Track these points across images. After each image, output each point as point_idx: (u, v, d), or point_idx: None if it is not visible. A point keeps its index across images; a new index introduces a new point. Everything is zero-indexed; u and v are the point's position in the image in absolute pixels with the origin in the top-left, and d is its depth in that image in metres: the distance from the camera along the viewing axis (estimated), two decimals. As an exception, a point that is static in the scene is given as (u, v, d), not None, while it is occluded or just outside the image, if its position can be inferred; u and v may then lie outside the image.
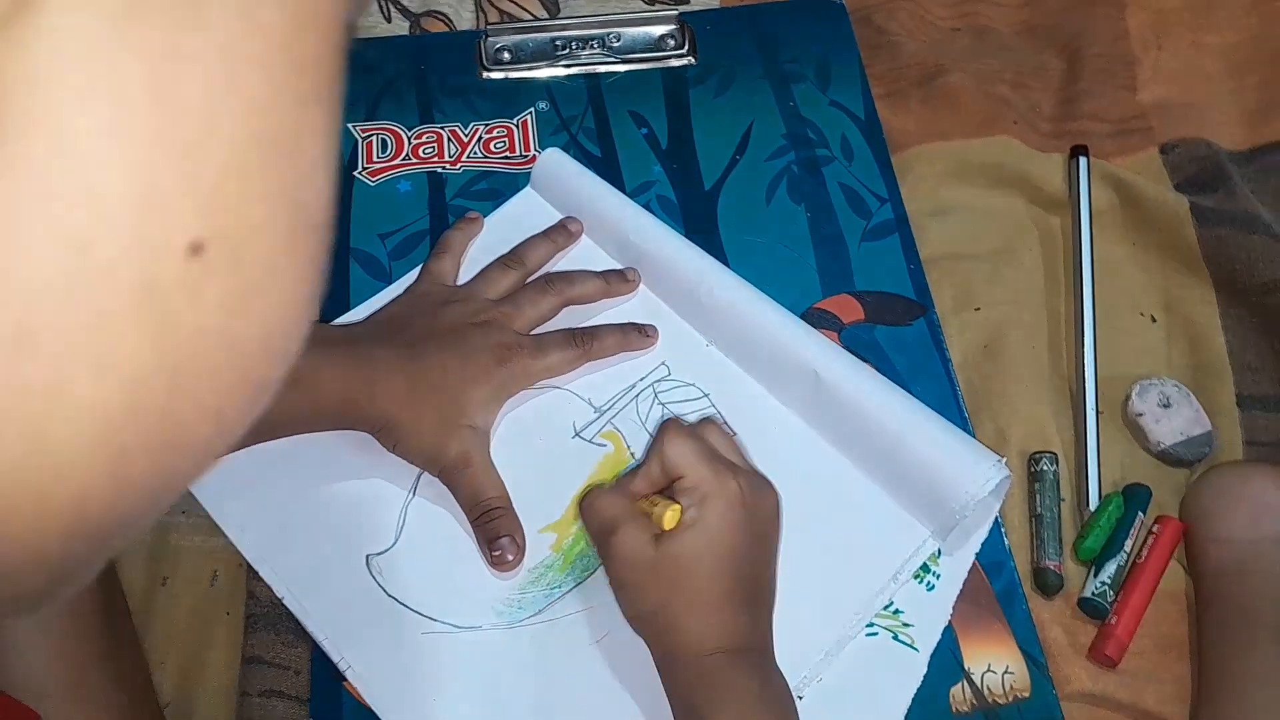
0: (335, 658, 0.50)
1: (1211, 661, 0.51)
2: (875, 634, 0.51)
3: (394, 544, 0.53)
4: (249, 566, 0.54)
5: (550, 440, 0.56)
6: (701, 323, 0.58)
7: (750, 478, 0.48)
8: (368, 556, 0.53)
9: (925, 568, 0.52)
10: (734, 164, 0.66)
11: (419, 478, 0.55)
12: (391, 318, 0.57)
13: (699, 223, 0.63)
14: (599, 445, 0.56)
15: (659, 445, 0.48)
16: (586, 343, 0.56)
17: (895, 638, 0.51)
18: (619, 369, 0.58)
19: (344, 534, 0.53)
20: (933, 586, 0.52)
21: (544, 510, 0.54)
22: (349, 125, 0.68)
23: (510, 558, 0.51)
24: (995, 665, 0.51)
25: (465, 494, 0.52)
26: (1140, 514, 0.55)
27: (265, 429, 0.51)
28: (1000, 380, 0.59)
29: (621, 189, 0.65)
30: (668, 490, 0.48)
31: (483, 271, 0.59)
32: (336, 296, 0.62)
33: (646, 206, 0.63)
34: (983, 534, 0.53)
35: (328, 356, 0.51)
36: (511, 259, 0.60)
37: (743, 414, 0.56)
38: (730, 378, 0.57)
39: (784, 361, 0.55)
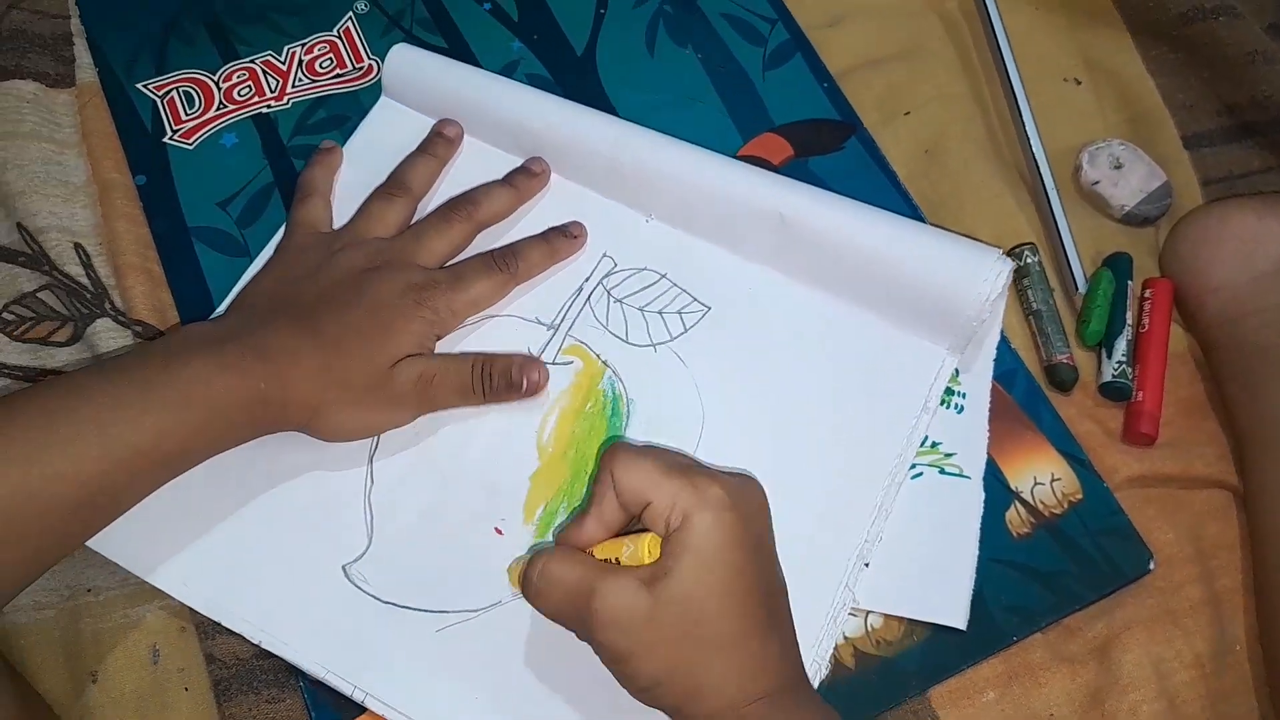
0: (348, 690, 0.43)
1: (1243, 410, 0.49)
2: (920, 474, 0.47)
3: (369, 545, 0.45)
4: (200, 625, 0.45)
5: None
6: (633, 197, 0.51)
7: (726, 477, 0.39)
8: (344, 568, 0.45)
9: (949, 390, 0.48)
10: (600, 20, 0.58)
11: (372, 458, 0.46)
12: (274, 290, 0.47)
13: (582, 94, 0.55)
14: (565, 364, 0.48)
15: (606, 475, 0.39)
16: (510, 263, 0.48)
17: (942, 472, 0.47)
18: (558, 276, 0.50)
19: (307, 551, 0.45)
20: (961, 409, 0.48)
21: (519, 461, 0.47)
22: (138, 86, 0.56)
23: (536, 375, 0.46)
24: (1040, 476, 0.48)
25: (452, 397, 0.46)
26: (1129, 282, 0.52)
27: (165, 470, 0.41)
28: (951, 181, 0.54)
29: (484, 77, 0.56)
30: (631, 529, 0.40)
31: (362, 208, 0.50)
32: (191, 290, 0.51)
33: (518, 90, 0.55)
34: (994, 340, 0.49)
35: (216, 359, 0.41)
36: (392, 187, 0.50)
37: (710, 284, 0.50)
38: (684, 250, 0.51)
39: (739, 212, 0.49)
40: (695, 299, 0.50)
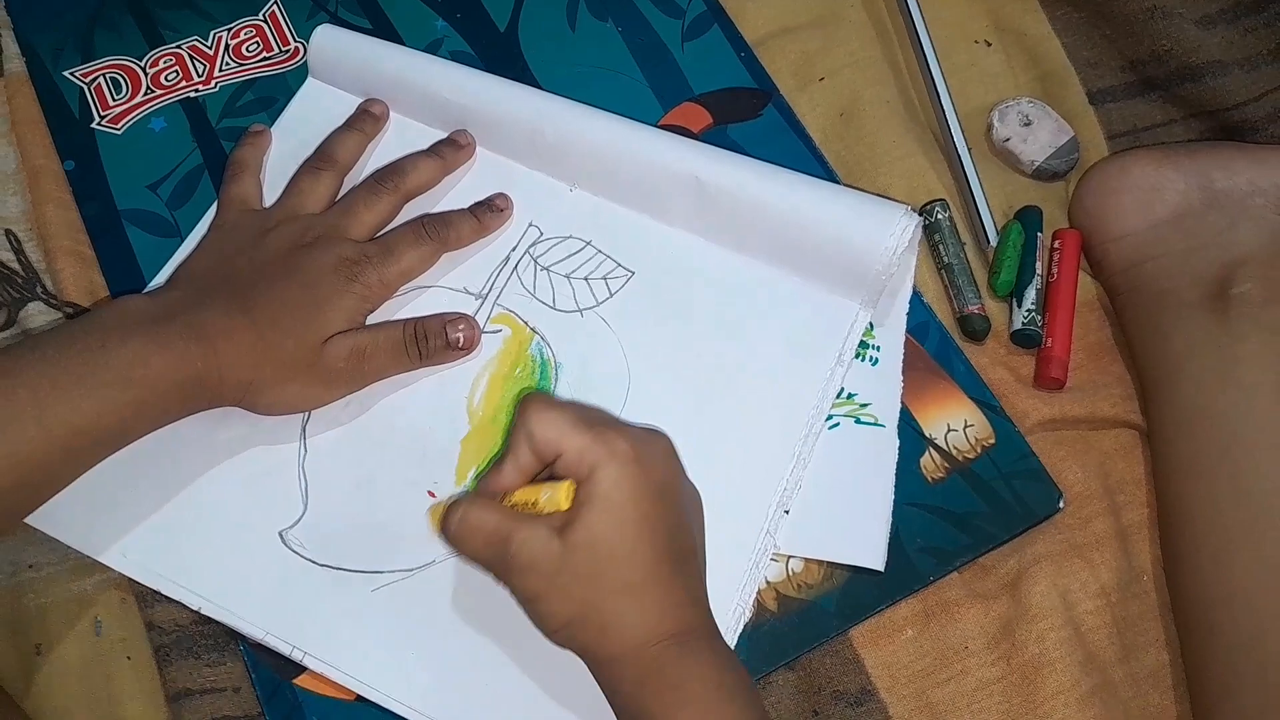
0: (286, 650, 0.44)
1: (1146, 351, 0.51)
2: (837, 425, 0.49)
3: (304, 510, 0.46)
4: (140, 595, 0.46)
5: None
6: (557, 167, 0.52)
7: (633, 430, 0.41)
8: (280, 534, 0.46)
9: (863, 344, 0.50)
10: (522, -3, 0.59)
11: (305, 429, 0.47)
12: (209, 268, 0.48)
13: (505, 69, 0.56)
14: (494, 332, 0.50)
15: (521, 425, 0.41)
16: (439, 231, 0.50)
17: (858, 421, 0.49)
18: (483, 245, 0.51)
19: (243, 519, 0.46)
20: (876, 360, 0.50)
21: (450, 426, 0.48)
22: (65, 73, 0.57)
23: (469, 331, 0.48)
24: (954, 423, 0.50)
25: (388, 366, 0.47)
26: (1039, 234, 0.54)
27: (102, 447, 0.42)
28: (866, 143, 0.56)
29: (409, 56, 0.57)
30: (543, 476, 0.42)
31: (291, 183, 0.51)
32: (123, 271, 0.52)
33: (442, 68, 0.56)
34: (907, 294, 0.51)
35: (154, 339, 0.42)
36: (319, 161, 0.51)
37: (633, 250, 0.51)
38: (606, 216, 0.52)
39: (659, 179, 0.50)
40: (619, 264, 0.51)
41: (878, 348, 0.50)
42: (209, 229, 0.50)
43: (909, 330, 0.51)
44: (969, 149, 0.56)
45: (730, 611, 0.45)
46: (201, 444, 0.47)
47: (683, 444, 0.43)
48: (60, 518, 0.45)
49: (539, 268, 0.51)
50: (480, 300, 0.50)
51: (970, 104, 0.57)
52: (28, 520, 0.44)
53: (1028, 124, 0.57)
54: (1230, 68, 0.56)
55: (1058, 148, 0.56)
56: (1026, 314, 0.52)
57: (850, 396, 0.49)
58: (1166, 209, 0.52)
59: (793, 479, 0.47)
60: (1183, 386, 0.49)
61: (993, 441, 0.49)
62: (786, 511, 0.47)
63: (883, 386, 0.49)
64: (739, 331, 0.50)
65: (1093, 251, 0.54)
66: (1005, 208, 0.56)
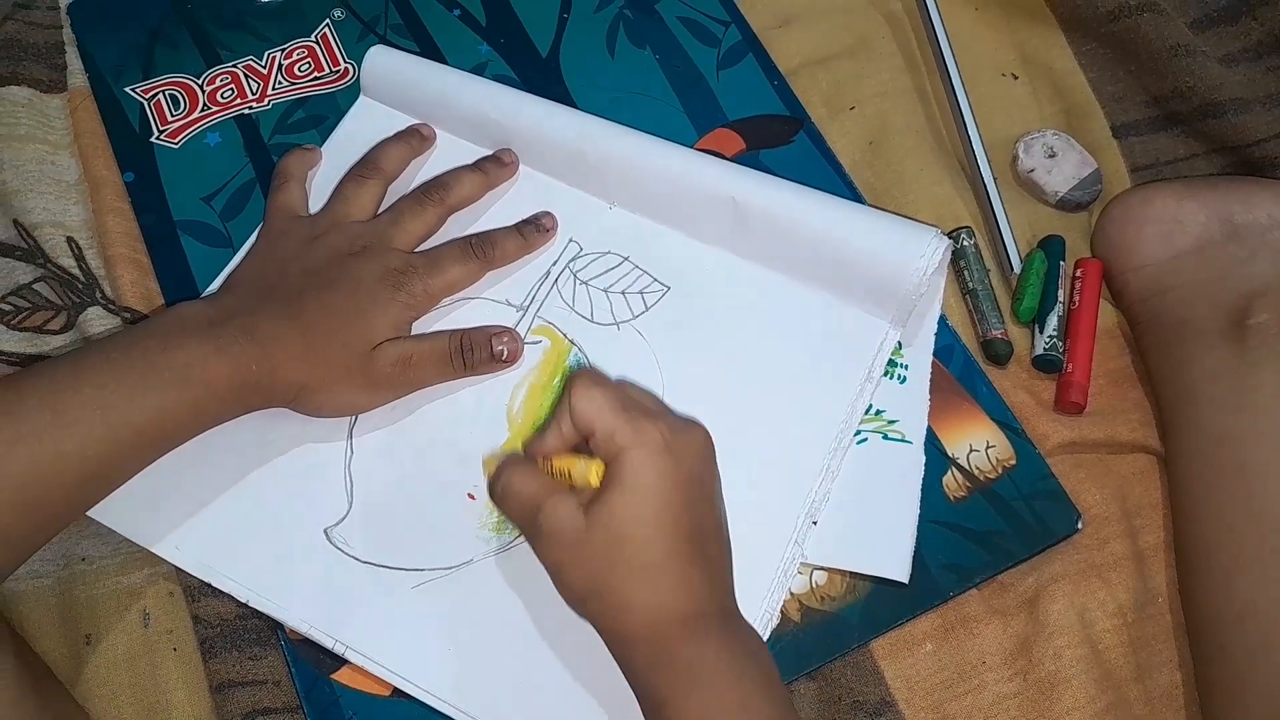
0: (329, 643, 0.46)
1: (1164, 378, 0.52)
2: (865, 440, 0.50)
3: (349, 509, 0.48)
4: (187, 588, 0.48)
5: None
6: (597, 186, 0.54)
7: (669, 420, 0.42)
8: (326, 531, 0.48)
9: (892, 362, 0.52)
10: (563, 24, 0.61)
11: (351, 431, 0.49)
12: (259, 275, 0.50)
13: (547, 93, 0.58)
14: (534, 343, 0.52)
15: (566, 398, 0.43)
16: (486, 251, 0.52)
17: (885, 437, 0.50)
18: (525, 259, 0.54)
19: (291, 516, 0.48)
20: (904, 379, 0.51)
21: (491, 433, 0.50)
22: (126, 89, 0.59)
23: (513, 345, 0.50)
24: (976, 444, 0.51)
25: (431, 374, 0.49)
26: (1061, 263, 0.55)
27: (162, 444, 0.44)
28: (895, 171, 0.58)
29: (454, 80, 0.59)
30: (583, 450, 0.43)
31: (336, 190, 0.53)
32: (178, 279, 0.55)
33: (488, 91, 0.58)
34: (935, 314, 0.53)
35: (211, 342, 0.44)
36: (365, 169, 0.53)
37: (669, 266, 0.53)
38: (645, 233, 0.54)
39: (695, 198, 0.52)
40: (655, 279, 0.53)
41: (906, 366, 0.52)
42: (258, 236, 0.53)
43: (935, 352, 0.52)
44: (994, 178, 0.57)
45: (758, 619, 0.46)
46: (253, 442, 0.49)
47: (718, 454, 0.45)
48: (117, 510, 0.47)
49: (578, 282, 0.53)
50: (521, 313, 0.52)
51: (995, 134, 0.59)
52: (89, 512, 0.46)
53: (1052, 155, 0.58)
54: (1252, 105, 0.58)
55: (1081, 179, 0.58)
56: (1048, 340, 0.53)
57: (879, 413, 0.51)
58: (1187, 240, 0.54)
59: (821, 491, 0.49)
60: (1200, 412, 0.50)
61: (1014, 463, 0.51)
62: (814, 522, 0.48)
63: (910, 404, 0.51)
64: (771, 346, 0.51)
65: (1114, 281, 0.56)
66: (1029, 236, 0.57)
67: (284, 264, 0.49)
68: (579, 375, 0.43)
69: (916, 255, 0.49)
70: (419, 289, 0.49)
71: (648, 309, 0.53)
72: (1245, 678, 0.44)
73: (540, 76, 0.60)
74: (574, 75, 0.60)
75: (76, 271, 0.54)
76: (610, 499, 0.40)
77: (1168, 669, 0.48)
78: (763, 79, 0.60)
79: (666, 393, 0.51)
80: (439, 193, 0.52)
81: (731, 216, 0.51)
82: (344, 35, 0.61)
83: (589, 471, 0.42)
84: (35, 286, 0.54)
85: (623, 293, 0.53)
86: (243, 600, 0.46)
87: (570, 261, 0.54)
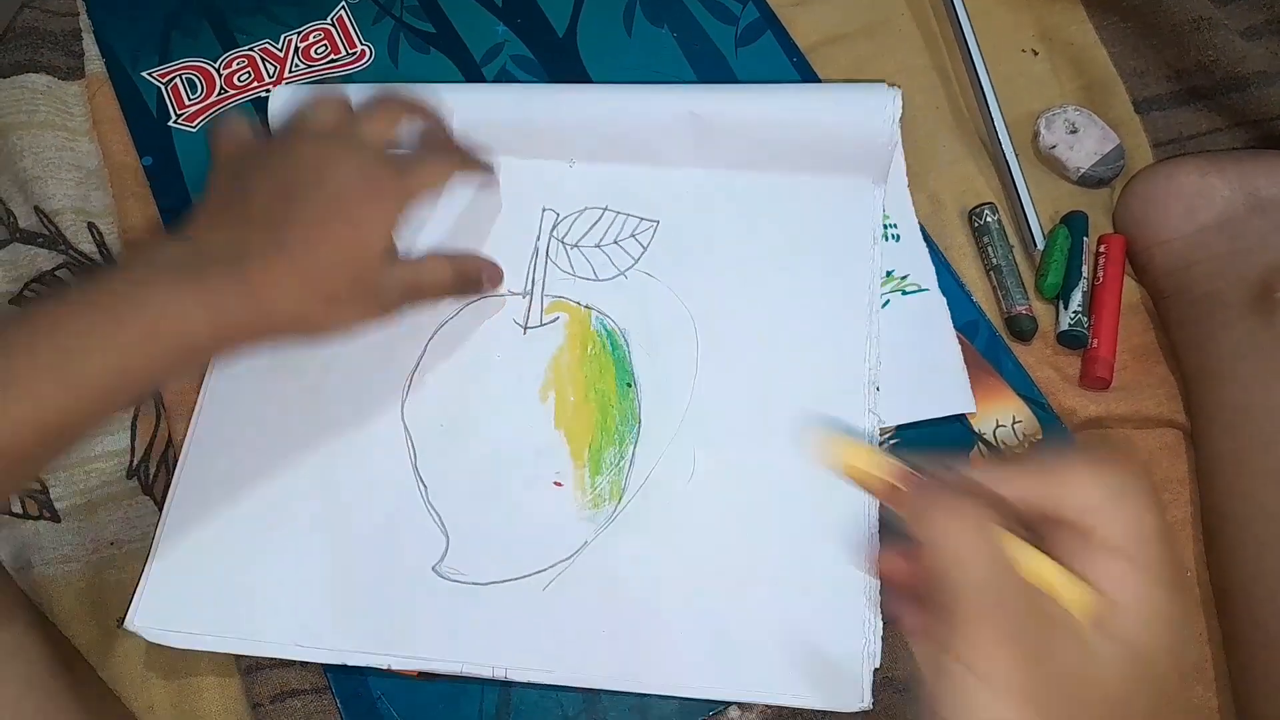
0: (487, 673, 0.45)
1: (1191, 353, 0.52)
2: (887, 302, 0.52)
3: (448, 541, 0.47)
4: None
5: (505, 352, 0.51)
6: (551, 149, 0.54)
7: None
8: (435, 569, 0.47)
9: (883, 224, 0.54)
10: (580, 3, 0.61)
11: (415, 467, 0.49)
12: (225, 203, 0.44)
13: (564, 72, 0.58)
14: (551, 321, 0.52)
15: (1054, 465, 0.29)
16: (453, 150, 0.51)
17: (904, 293, 0.52)
18: (509, 246, 0.53)
19: (395, 570, 0.47)
20: (898, 237, 0.54)
21: (545, 420, 0.50)
22: (144, 74, 0.59)
23: (493, 271, 0.51)
24: (1003, 419, 0.51)
25: (431, 301, 0.49)
26: (1085, 239, 0.55)
27: (125, 402, 0.42)
28: (916, 148, 0.57)
29: (469, 60, 0.59)
30: (1033, 533, 0.30)
31: (293, 114, 0.48)
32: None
33: (502, 70, 0.58)
34: (901, 166, 0.55)
35: (193, 292, 0.40)
36: (321, 93, 0.49)
37: (649, 201, 0.54)
38: (614, 178, 0.54)
39: (653, 127, 0.53)
40: (641, 218, 0.53)
41: (895, 225, 0.54)
42: (212, 167, 0.47)
43: (959, 327, 0.52)
44: (1016, 155, 0.57)
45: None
46: (328, 517, 0.48)
47: (767, 356, 0.49)
48: (216, 628, 0.46)
49: (568, 247, 0.53)
50: (528, 297, 0.52)
51: (1016, 111, 0.59)
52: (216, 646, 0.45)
53: (1074, 131, 0.58)
54: (1275, 78, 0.57)
55: (1103, 155, 0.58)
56: (1073, 315, 0.53)
57: (889, 274, 0.53)
58: (1211, 214, 0.53)
59: (873, 357, 0.50)
60: (1227, 386, 0.50)
61: (1040, 437, 0.50)
62: (878, 389, 0.49)
63: (912, 256, 0.53)
64: (777, 240, 0.53)
65: (1138, 256, 0.55)
66: (1051, 213, 0.57)
67: (250, 185, 0.44)
68: (1078, 446, 0.36)
69: (880, 110, 0.51)
70: (396, 189, 0.45)
71: (645, 248, 0.53)
72: (1275, 650, 0.44)
73: (557, 56, 0.59)
74: (591, 55, 0.59)
75: (98, 257, 0.54)
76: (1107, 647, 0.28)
77: (1196, 643, 0.48)
78: (782, 56, 0.59)
79: (696, 320, 0.51)
80: (390, 92, 0.49)
81: (694, 133, 0.52)
82: (360, 17, 0.61)
83: (1075, 597, 0.28)
84: (57, 274, 0.54)
85: (615, 241, 0.53)
86: (383, 668, 0.45)
87: (553, 230, 0.53)
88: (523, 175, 0.54)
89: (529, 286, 0.52)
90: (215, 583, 0.46)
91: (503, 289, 0.52)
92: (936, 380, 0.50)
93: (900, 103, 0.51)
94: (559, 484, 0.48)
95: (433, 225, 0.52)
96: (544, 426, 0.50)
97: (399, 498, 0.48)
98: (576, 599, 0.46)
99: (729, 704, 0.46)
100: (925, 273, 0.52)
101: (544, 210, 0.54)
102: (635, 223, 0.53)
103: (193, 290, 0.40)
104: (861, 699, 0.44)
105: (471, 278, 0.50)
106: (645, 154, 0.53)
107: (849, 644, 0.45)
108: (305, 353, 0.50)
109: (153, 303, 0.39)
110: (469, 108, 0.53)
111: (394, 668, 0.45)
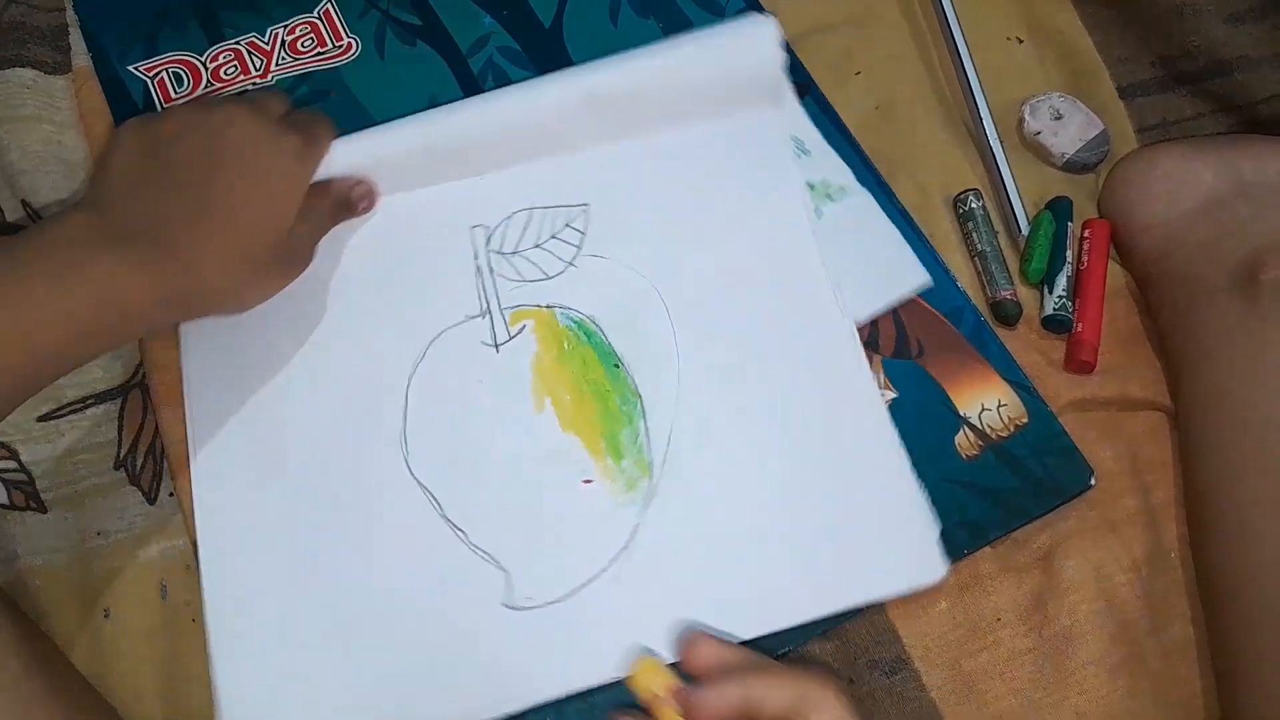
0: (596, 681, 0.46)
1: (1175, 336, 0.52)
2: (820, 213, 0.54)
3: (506, 574, 0.47)
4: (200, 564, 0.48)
5: (486, 376, 0.51)
6: (457, 170, 0.54)
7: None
8: (505, 605, 0.47)
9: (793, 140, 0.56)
10: (566, -5, 0.61)
11: (446, 518, 0.48)
12: (134, 169, 0.45)
13: (550, 64, 0.58)
14: (520, 330, 0.52)
15: (752, 678, 0.41)
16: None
17: (830, 198, 0.55)
18: (451, 273, 0.53)
19: (465, 621, 0.47)
20: (807, 150, 0.56)
21: (550, 425, 0.50)
22: (130, 68, 0.59)
23: (365, 185, 0.52)
24: (988, 403, 0.51)
25: (326, 227, 0.50)
26: (1069, 224, 0.55)
27: (60, 372, 0.42)
28: (902, 136, 0.58)
29: (455, 52, 0.59)
30: None
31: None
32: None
33: (489, 61, 0.59)
34: (788, 83, 0.56)
35: (122, 260, 0.41)
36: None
37: (571, 190, 0.54)
38: (528, 178, 0.54)
39: (549, 120, 0.53)
40: (569, 206, 0.54)
41: (800, 140, 0.56)
42: (113, 135, 0.47)
43: (944, 312, 0.52)
44: (1001, 142, 0.57)
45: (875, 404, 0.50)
46: (382, 604, 0.47)
47: (734, 296, 0.51)
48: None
49: (508, 256, 0.53)
50: (488, 315, 0.52)
51: (1001, 98, 0.59)
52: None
53: (1058, 118, 0.58)
54: (1258, 63, 0.58)
55: (1088, 140, 0.58)
56: (1058, 300, 0.53)
57: (812, 186, 0.55)
58: (1195, 199, 0.54)
59: (827, 264, 0.52)
60: (1211, 369, 0.50)
61: (1025, 421, 0.51)
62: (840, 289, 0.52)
63: (824, 163, 0.55)
64: (706, 188, 0.54)
65: (1122, 241, 0.56)
66: (1036, 198, 0.57)
67: (157, 151, 0.45)
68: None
69: (761, 37, 0.53)
70: (308, 150, 0.47)
71: (584, 233, 0.53)
72: (1258, 630, 0.45)
73: (543, 48, 0.59)
74: (577, 46, 0.59)
75: (86, 249, 0.54)
76: None
77: (1181, 622, 0.48)
78: (767, 46, 0.60)
79: (658, 286, 0.52)
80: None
81: (591, 112, 0.53)
82: (346, 10, 0.61)
83: None
84: (45, 265, 0.54)
85: (553, 236, 0.53)
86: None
87: (488, 245, 0.53)
88: (442, 201, 0.54)
89: (485, 305, 0.52)
90: (288, 705, 0.46)
91: (460, 316, 0.52)
92: (886, 266, 0.53)
93: (777, 24, 0.53)
94: (588, 481, 0.49)
95: (362, 272, 0.53)
96: (552, 433, 0.50)
97: (443, 553, 0.48)
98: (649, 579, 0.47)
99: (820, 629, 0.47)
100: (842, 174, 0.55)
101: (473, 228, 0.54)
102: (564, 212, 0.54)
103: (126, 260, 0.41)
104: (937, 570, 0.47)
105: (341, 201, 0.51)
106: (552, 145, 0.54)
107: (908, 525, 0.48)
108: (293, 444, 0.50)
109: (84, 279, 0.40)
110: (362, 155, 0.52)
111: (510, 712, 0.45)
